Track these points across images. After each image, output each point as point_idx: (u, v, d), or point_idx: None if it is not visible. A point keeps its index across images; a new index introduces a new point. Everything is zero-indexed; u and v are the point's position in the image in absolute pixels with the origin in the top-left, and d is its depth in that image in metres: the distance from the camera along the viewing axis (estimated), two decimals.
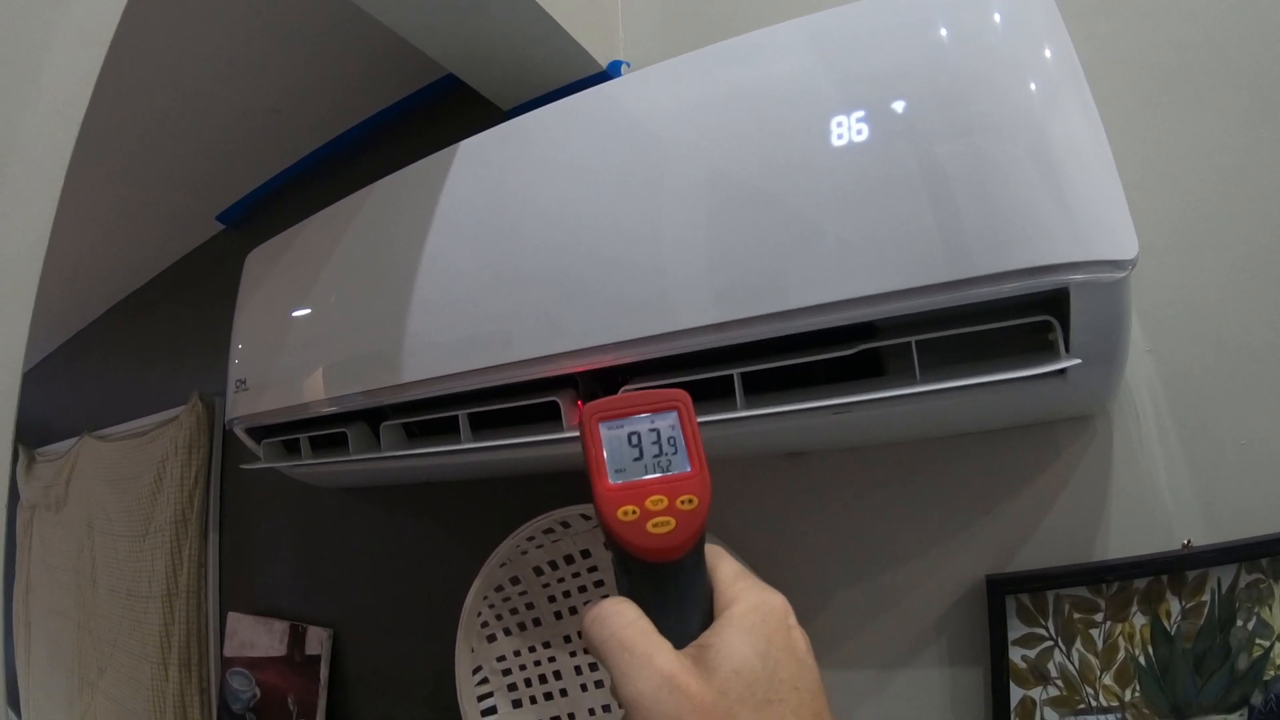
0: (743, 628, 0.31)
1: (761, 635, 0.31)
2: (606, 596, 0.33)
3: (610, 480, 0.33)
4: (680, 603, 0.33)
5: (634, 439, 0.34)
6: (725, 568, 0.34)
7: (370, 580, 1.24)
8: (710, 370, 0.61)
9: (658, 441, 0.34)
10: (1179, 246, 0.64)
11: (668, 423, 0.34)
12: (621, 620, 0.31)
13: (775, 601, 0.33)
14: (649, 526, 0.32)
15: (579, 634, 0.90)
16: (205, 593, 1.55)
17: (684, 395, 0.35)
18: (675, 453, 0.34)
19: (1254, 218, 0.62)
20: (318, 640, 1.27)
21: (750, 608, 0.32)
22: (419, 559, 1.17)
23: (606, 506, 0.32)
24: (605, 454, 0.33)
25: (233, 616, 1.47)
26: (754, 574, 0.35)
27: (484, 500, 1.07)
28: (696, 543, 0.33)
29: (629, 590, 0.33)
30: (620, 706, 0.30)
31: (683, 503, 0.32)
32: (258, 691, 1.37)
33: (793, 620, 0.33)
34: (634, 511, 0.32)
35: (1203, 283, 0.64)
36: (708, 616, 0.32)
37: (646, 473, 0.33)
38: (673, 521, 0.32)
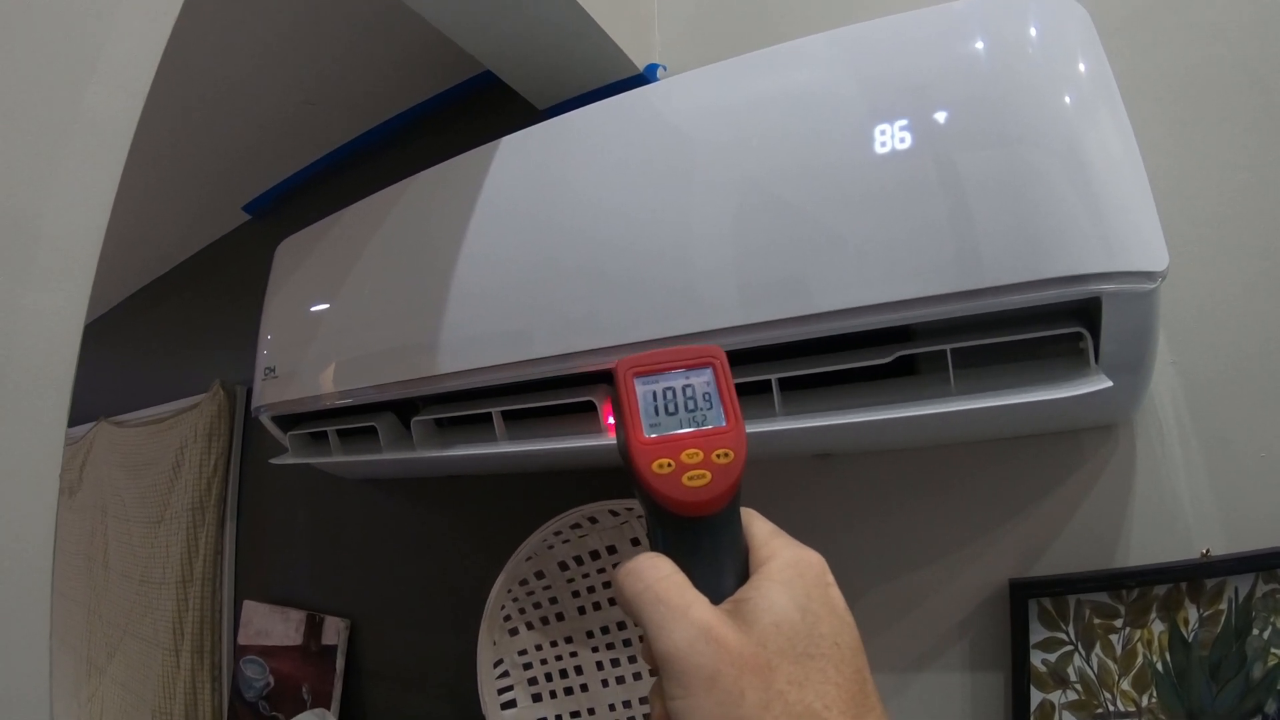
0: (781, 581, 0.30)
1: (800, 590, 0.30)
2: (639, 552, 0.32)
3: (645, 434, 0.32)
4: (715, 558, 0.32)
5: (669, 394, 0.33)
6: (760, 526, 0.34)
7: (390, 571, 1.25)
8: (745, 372, 0.62)
9: (693, 396, 0.33)
10: (1203, 260, 0.65)
11: (703, 378, 0.34)
12: (656, 574, 0.30)
13: (812, 558, 0.32)
14: (684, 480, 0.31)
15: (602, 629, 0.91)
16: (220, 580, 1.56)
17: (719, 351, 0.35)
18: (710, 408, 0.33)
19: (1278, 230, 0.63)
20: (335, 630, 1.28)
21: (788, 563, 0.31)
22: (440, 551, 1.18)
23: (641, 459, 0.32)
24: (640, 408, 0.33)
25: (248, 605, 1.48)
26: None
27: (508, 494, 1.08)
28: (732, 498, 0.32)
29: (663, 546, 0.32)
30: (653, 663, 0.29)
31: (718, 456, 0.32)
32: (271, 680, 1.38)
33: (830, 578, 0.32)
34: (669, 465, 0.31)
35: (1226, 296, 0.65)
36: (743, 574, 0.32)
37: (682, 427, 0.33)
38: (708, 475, 0.31)
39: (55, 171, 0.44)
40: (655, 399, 0.33)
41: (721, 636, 0.28)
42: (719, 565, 0.32)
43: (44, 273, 0.43)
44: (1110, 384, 0.52)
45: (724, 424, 0.33)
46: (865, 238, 0.55)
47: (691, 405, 0.33)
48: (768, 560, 0.31)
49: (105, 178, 0.47)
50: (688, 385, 0.34)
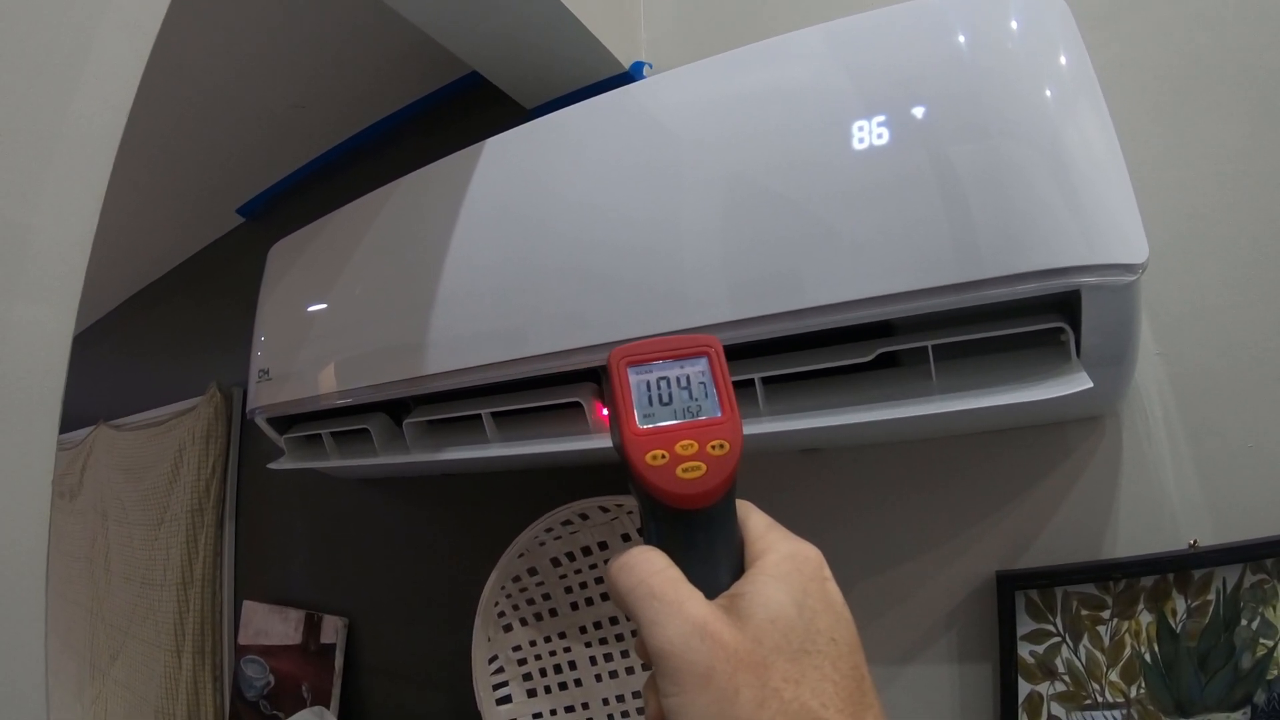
0: (777, 576, 0.29)
1: (797, 584, 0.29)
2: (632, 546, 0.32)
3: (638, 424, 0.32)
4: (710, 552, 0.31)
5: (663, 384, 0.33)
6: (756, 519, 0.33)
7: (386, 570, 1.26)
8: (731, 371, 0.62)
9: (688, 387, 0.33)
10: (1189, 250, 0.65)
11: (698, 368, 0.33)
12: (650, 568, 0.30)
13: (810, 552, 0.31)
14: (678, 471, 0.30)
15: (595, 625, 0.91)
16: (220, 581, 1.57)
17: (714, 341, 0.34)
18: (706, 398, 0.32)
19: (1263, 221, 0.63)
20: (333, 629, 1.28)
21: (784, 556, 0.30)
22: (435, 549, 1.18)
23: (634, 451, 0.31)
24: (633, 398, 0.32)
25: (248, 605, 1.49)
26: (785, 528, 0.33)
27: (501, 492, 1.09)
28: (727, 490, 0.31)
29: (657, 539, 0.32)
30: (647, 658, 0.29)
31: (713, 448, 0.31)
32: (272, 679, 1.38)
33: (828, 572, 0.31)
34: (663, 456, 0.31)
35: (1212, 286, 0.65)
36: (738, 568, 0.31)
37: (676, 418, 0.32)
38: (703, 467, 0.30)
39: (41, 184, 0.44)
40: (649, 389, 0.33)
41: (716, 633, 0.27)
42: (714, 559, 0.31)
43: (32, 285, 0.43)
44: (1091, 384, 0.52)
45: (719, 415, 0.32)
46: (849, 233, 0.55)
47: (686, 395, 0.33)
48: (764, 554, 0.31)
49: (91, 190, 0.47)
50: (682, 375, 0.33)
